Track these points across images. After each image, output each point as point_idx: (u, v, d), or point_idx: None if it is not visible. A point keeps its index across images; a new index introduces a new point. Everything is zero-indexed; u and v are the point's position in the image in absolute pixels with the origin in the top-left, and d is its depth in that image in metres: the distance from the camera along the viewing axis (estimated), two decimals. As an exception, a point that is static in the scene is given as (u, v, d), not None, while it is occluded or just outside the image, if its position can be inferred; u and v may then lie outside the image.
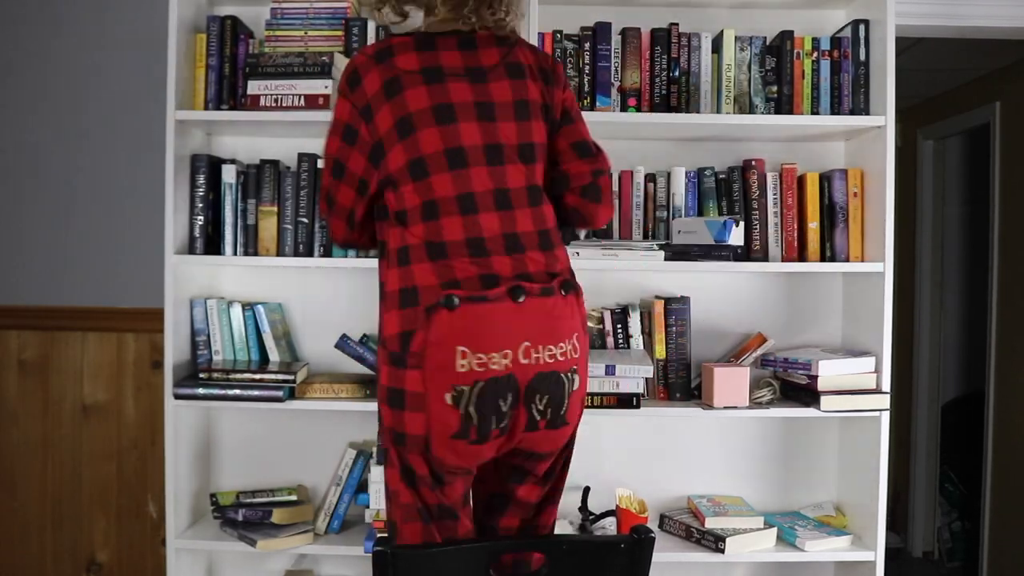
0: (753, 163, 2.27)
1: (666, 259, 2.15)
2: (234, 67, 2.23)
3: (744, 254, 2.23)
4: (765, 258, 2.26)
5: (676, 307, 2.26)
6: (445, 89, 1.51)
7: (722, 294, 2.40)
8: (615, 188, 2.28)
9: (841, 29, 2.30)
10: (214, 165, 2.21)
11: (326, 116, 2.10)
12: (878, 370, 2.17)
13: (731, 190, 2.28)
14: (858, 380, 2.15)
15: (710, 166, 2.31)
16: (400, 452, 1.48)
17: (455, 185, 1.48)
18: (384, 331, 1.49)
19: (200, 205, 2.20)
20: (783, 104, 2.23)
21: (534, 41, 2.13)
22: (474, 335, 1.40)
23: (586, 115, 2.15)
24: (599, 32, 2.21)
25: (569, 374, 1.47)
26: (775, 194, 2.27)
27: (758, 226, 2.26)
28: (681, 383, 2.25)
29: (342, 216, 1.64)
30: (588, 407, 2.10)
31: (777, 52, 2.24)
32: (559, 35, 2.20)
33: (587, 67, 2.21)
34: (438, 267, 1.45)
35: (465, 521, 1.55)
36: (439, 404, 1.41)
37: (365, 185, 1.58)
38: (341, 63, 2.14)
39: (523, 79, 1.56)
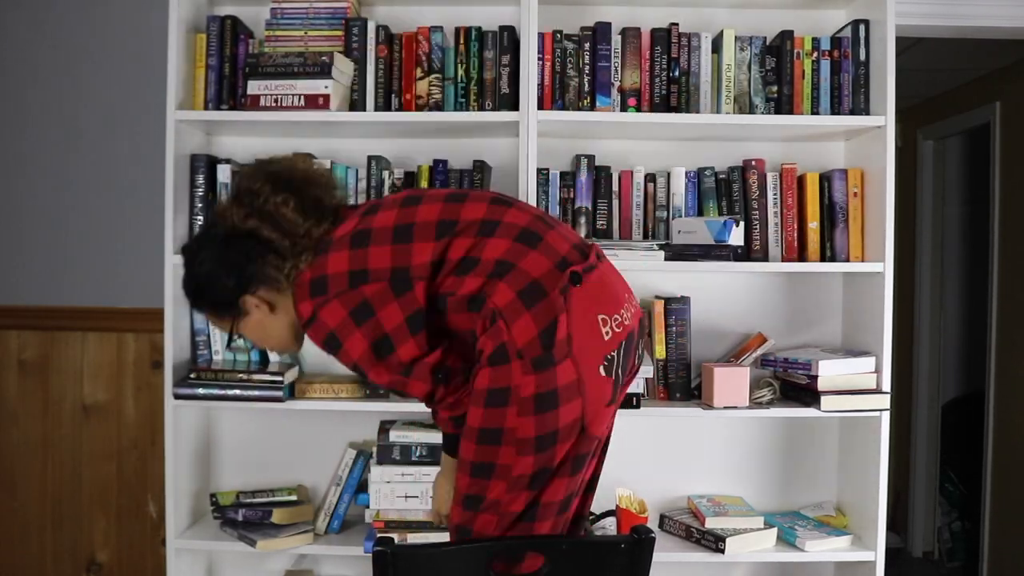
0: (753, 163, 2.27)
1: (666, 259, 2.15)
2: (234, 67, 2.23)
3: (744, 254, 2.23)
4: (765, 258, 2.26)
5: (676, 307, 2.26)
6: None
7: (722, 294, 2.40)
8: (615, 188, 2.28)
9: (841, 29, 2.30)
10: (214, 165, 2.21)
11: (326, 116, 2.11)
12: (878, 370, 2.17)
13: (731, 190, 2.28)
14: (858, 380, 2.15)
15: (710, 166, 2.31)
16: (537, 456, 1.43)
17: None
18: (518, 342, 1.41)
19: (200, 205, 2.20)
20: (783, 104, 2.23)
21: (534, 41, 2.13)
22: (604, 301, 1.46)
23: (586, 115, 2.18)
24: (599, 32, 2.21)
25: (642, 323, 1.58)
26: (775, 194, 2.27)
27: (758, 226, 2.26)
28: (681, 383, 2.25)
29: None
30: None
31: (777, 52, 2.24)
32: (559, 35, 2.20)
33: (587, 67, 2.21)
34: (542, 251, 1.46)
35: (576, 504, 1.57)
36: (594, 379, 1.43)
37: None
38: (341, 63, 2.14)
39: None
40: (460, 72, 2.22)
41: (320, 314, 1.48)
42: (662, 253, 2.15)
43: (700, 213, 2.28)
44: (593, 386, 1.43)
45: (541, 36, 2.18)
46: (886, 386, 2.16)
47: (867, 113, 2.21)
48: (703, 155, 2.38)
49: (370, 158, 2.25)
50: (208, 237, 1.62)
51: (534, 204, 2.08)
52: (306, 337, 1.59)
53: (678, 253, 2.16)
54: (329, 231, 1.54)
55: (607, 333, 1.44)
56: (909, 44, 3.08)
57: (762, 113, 2.23)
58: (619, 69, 2.22)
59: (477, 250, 1.47)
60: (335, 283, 1.47)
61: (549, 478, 1.45)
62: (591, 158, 2.27)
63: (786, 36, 2.23)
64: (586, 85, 2.21)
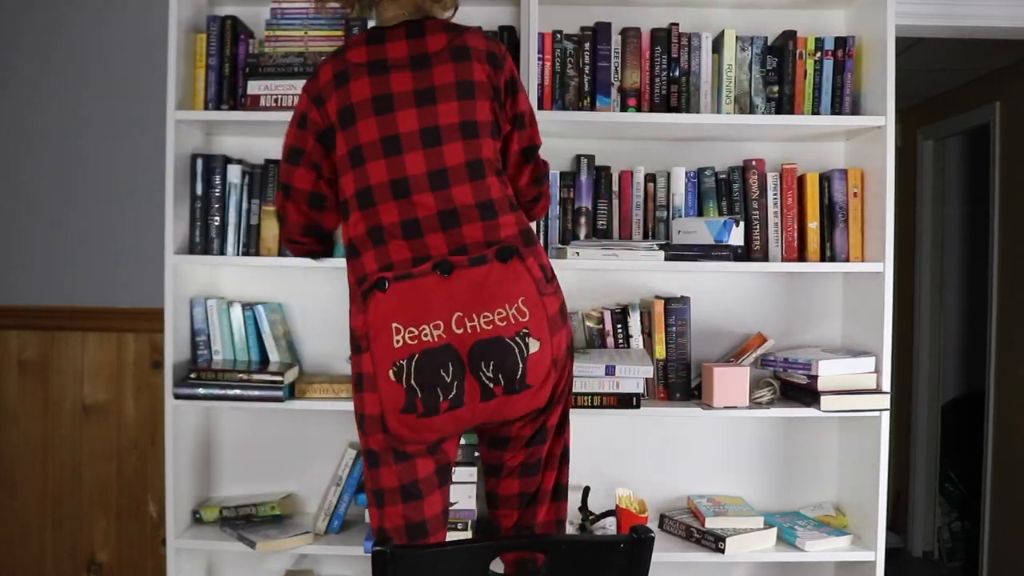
0: (753, 163, 2.27)
1: (666, 259, 2.15)
2: (234, 67, 2.23)
3: (744, 254, 2.23)
4: (765, 258, 2.26)
5: (676, 307, 2.26)
6: (387, 80, 1.58)
7: (722, 294, 2.40)
8: (615, 188, 2.28)
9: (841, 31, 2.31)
10: (214, 165, 2.21)
11: (326, 116, 2.11)
12: (878, 370, 2.17)
13: (731, 190, 2.28)
14: (858, 380, 2.15)
15: (710, 166, 2.31)
16: (363, 437, 1.58)
17: (389, 171, 1.55)
18: (350, 322, 1.58)
19: (200, 205, 2.20)
20: (784, 104, 2.23)
21: (534, 42, 2.13)
22: (405, 311, 1.49)
23: (586, 115, 2.17)
24: (599, 32, 2.21)
25: (518, 338, 1.50)
26: (775, 194, 2.27)
27: (758, 226, 2.26)
28: (681, 383, 2.25)
29: (300, 199, 1.71)
30: (588, 407, 2.10)
31: (779, 52, 2.24)
32: (559, 35, 2.20)
33: (587, 67, 2.21)
34: (378, 253, 1.54)
35: (430, 504, 1.59)
36: (386, 381, 1.50)
37: (319, 167, 1.67)
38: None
39: (468, 60, 1.60)
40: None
41: None
42: (662, 253, 2.15)
43: (700, 213, 2.28)
44: (384, 386, 1.50)
45: (541, 36, 2.18)
46: (886, 386, 2.16)
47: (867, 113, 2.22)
48: (703, 155, 2.38)
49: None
50: None
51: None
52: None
53: (678, 253, 2.16)
54: None
55: (398, 341, 1.48)
56: (909, 44, 3.08)
57: (763, 113, 2.23)
58: (619, 69, 2.23)
59: (360, 181, 1.58)
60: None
61: (377, 463, 1.57)
62: (591, 158, 2.27)
63: (788, 36, 2.23)
64: (586, 85, 2.21)
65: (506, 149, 1.71)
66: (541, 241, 2.20)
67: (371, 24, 2.19)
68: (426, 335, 1.48)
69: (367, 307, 1.52)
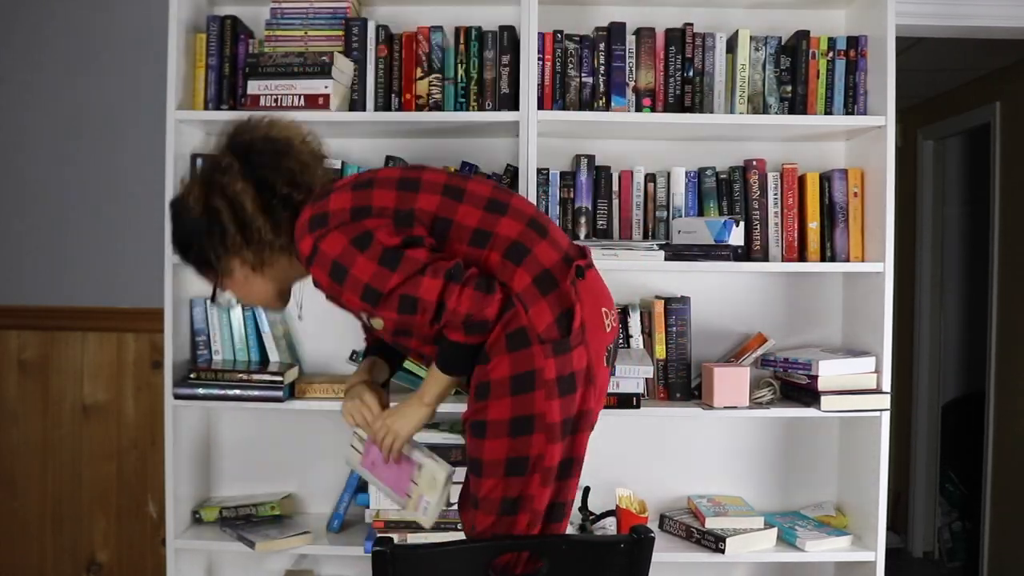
0: (754, 163, 2.27)
1: (666, 259, 2.15)
2: (234, 67, 2.23)
3: (744, 254, 2.23)
4: (765, 258, 2.25)
5: (676, 307, 2.26)
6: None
7: (722, 294, 2.40)
8: (615, 188, 2.28)
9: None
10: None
11: (326, 116, 2.11)
12: (878, 370, 2.17)
13: (731, 190, 2.28)
14: (858, 380, 2.15)
15: (711, 166, 2.31)
16: (546, 443, 1.44)
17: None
18: (538, 327, 1.43)
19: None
20: (797, 104, 2.23)
21: (534, 42, 2.13)
22: (604, 295, 1.55)
23: (601, 115, 2.17)
24: (614, 32, 2.21)
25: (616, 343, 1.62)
26: (775, 194, 2.27)
27: (758, 226, 2.26)
28: (681, 383, 2.25)
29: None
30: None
31: (792, 52, 2.24)
32: (559, 35, 2.20)
33: (602, 67, 2.21)
34: (550, 242, 1.50)
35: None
36: (601, 368, 1.51)
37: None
38: (341, 63, 2.14)
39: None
40: (460, 72, 2.22)
41: (321, 246, 1.45)
42: (662, 253, 2.15)
43: (700, 213, 2.28)
44: (600, 374, 1.51)
45: (541, 36, 2.18)
46: (886, 386, 2.16)
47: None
48: (703, 155, 2.38)
49: (388, 158, 2.25)
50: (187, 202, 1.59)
51: (534, 203, 2.08)
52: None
53: (678, 253, 2.16)
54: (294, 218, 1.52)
55: (608, 326, 1.52)
56: (909, 44, 3.08)
57: (776, 113, 2.23)
58: (634, 69, 2.22)
59: (488, 224, 1.48)
60: (336, 217, 1.46)
61: (570, 470, 1.49)
62: (591, 158, 2.27)
63: (802, 36, 2.23)
64: (601, 85, 2.21)
65: None
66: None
67: (372, 22, 2.20)
68: (615, 318, 1.58)
69: (580, 296, 1.45)
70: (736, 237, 2.16)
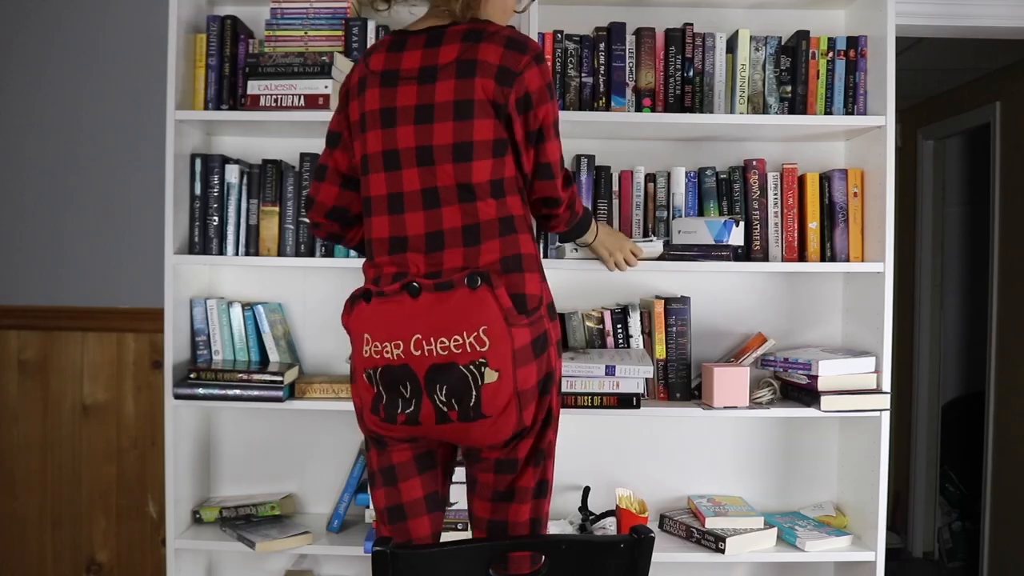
0: (754, 163, 2.27)
1: (666, 259, 2.15)
2: (234, 67, 2.23)
3: (744, 254, 2.23)
4: (765, 258, 2.26)
5: (676, 307, 2.26)
6: (394, 93, 1.59)
7: (722, 294, 2.40)
8: (615, 188, 2.28)
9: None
10: (212, 165, 2.21)
11: (326, 116, 2.10)
12: (878, 370, 2.17)
13: (731, 190, 2.28)
14: (858, 380, 2.15)
15: (711, 166, 2.31)
16: (359, 422, 1.67)
17: (388, 184, 1.59)
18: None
19: (198, 205, 2.20)
20: (796, 104, 2.23)
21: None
22: (375, 326, 1.55)
23: (601, 115, 2.17)
24: (614, 32, 2.21)
25: (473, 367, 1.49)
26: (775, 194, 2.27)
27: (759, 226, 2.26)
28: (681, 383, 2.25)
29: (334, 180, 1.71)
30: (588, 407, 2.10)
31: (792, 52, 2.24)
32: (560, 35, 2.20)
33: (602, 67, 2.21)
34: (375, 264, 1.62)
35: (408, 489, 1.64)
36: (361, 380, 1.60)
37: (351, 158, 1.69)
38: (341, 63, 2.14)
39: (471, 77, 1.54)
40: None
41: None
42: (661, 243, 2.15)
43: (701, 213, 2.28)
44: (360, 383, 1.60)
45: (541, 36, 2.18)
46: (886, 386, 2.16)
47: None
48: (703, 155, 2.38)
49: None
50: None
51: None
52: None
53: (678, 253, 2.16)
54: None
55: (366, 351, 1.57)
56: (909, 44, 3.08)
57: (776, 113, 2.23)
58: (634, 69, 2.22)
59: (366, 189, 1.64)
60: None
61: (367, 446, 1.68)
62: (591, 158, 2.27)
63: (802, 36, 2.23)
64: (601, 85, 2.21)
65: (522, 164, 1.65)
66: (541, 243, 2.19)
67: (372, 22, 2.20)
68: (387, 352, 1.53)
69: (351, 312, 1.60)
70: (736, 237, 2.16)
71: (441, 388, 1.51)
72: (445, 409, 1.51)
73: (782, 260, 2.25)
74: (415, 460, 1.64)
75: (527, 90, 1.57)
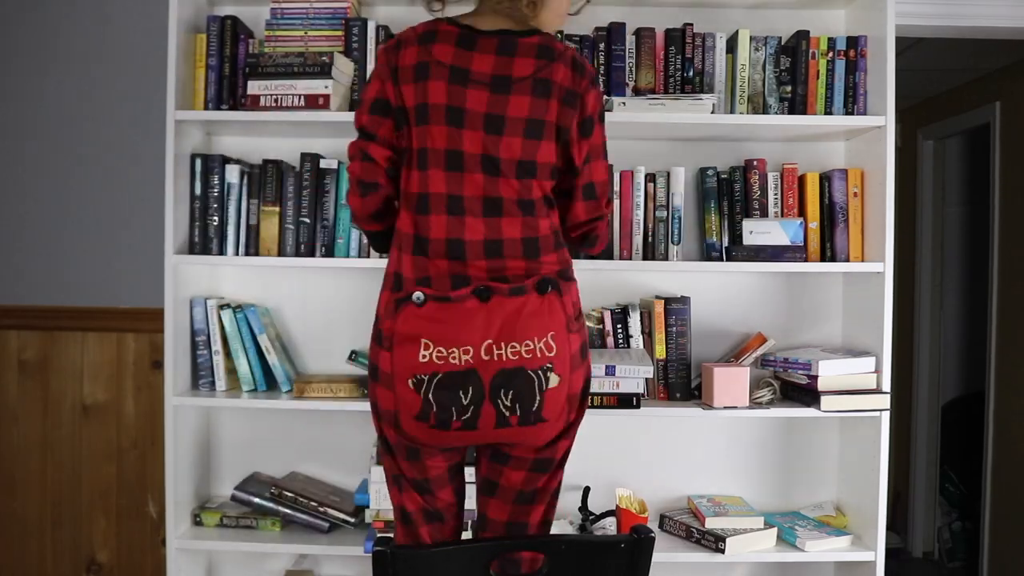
0: (755, 163, 2.27)
1: (738, 260, 2.19)
2: (234, 67, 2.23)
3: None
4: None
5: (676, 307, 2.26)
6: (464, 94, 1.55)
7: (722, 294, 2.40)
8: (615, 187, 2.28)
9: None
10: (212, 164, 2.21)
11: (326, 116, 2.11)
12: (878, 370, 2.17)
13: (732, 190, 2.28)
14: (858, 380, 2.15)
15: (711, 166, 2.30)
16: (376, 423, 1.62)
17: (448, 184, 1.55)
18: (378, 308, 1.59)
19: (198, 205, 2.20)
20: (796, 104, 2.23)
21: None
22: (438, 330, 1.50)
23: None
24: (614, 32, 2.21)
25: (540, 371, 1.51)
26: (776, 194, 2.26)
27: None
28: (681, 383, 2.25)
29: (385, 145, 1.62)
30: (588, 407, 2.10)
31: (792, 52, 2.24)
32: (560, 35, 2.20)
33: (602, 67, 2.21)
34: (418, 262, 1.55)
35: (443, 497, 1.65)
36: (403, 386, 1.52)
37: (392, 146, 1.63)
38: (341, 63, 2.14)
39: (547, 99, 1.56)
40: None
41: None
42: (711, 103, 2.13)
43: (702, 214, 2.28)
44: (401, 390, 1.52)
45: (541, 36, 2.17)
46: (886, 386, 2.16)
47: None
48: (703, 155, 2.38)
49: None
50: None
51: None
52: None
53: (751, 255, 2.18)
54: None
55: (424, 357, 1.50)
56: (909, 44, 3.08)
57: (775, 113, 2.23)
58: (634, 69, 2.22)
59: (422, 184, 1.58)
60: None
61: (392, 452, 1.62)
62: (591, 158, 2.26)
63: (802, 36, 2.23)
64: (601, 85, 2.21)
65: (571, 181, 1.67)
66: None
67: (372, 22, 2.20)
68: (454, 358, 1.49)
69: (397, 315, 1.53)
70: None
71: (507, 393, 1.50)
72: (507, 414, 1.51)
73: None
74: (448, 470, 1.65)
75: (588, 114, 1.62)
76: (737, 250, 2.18)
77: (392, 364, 1.52)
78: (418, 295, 1.51)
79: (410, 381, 1.51)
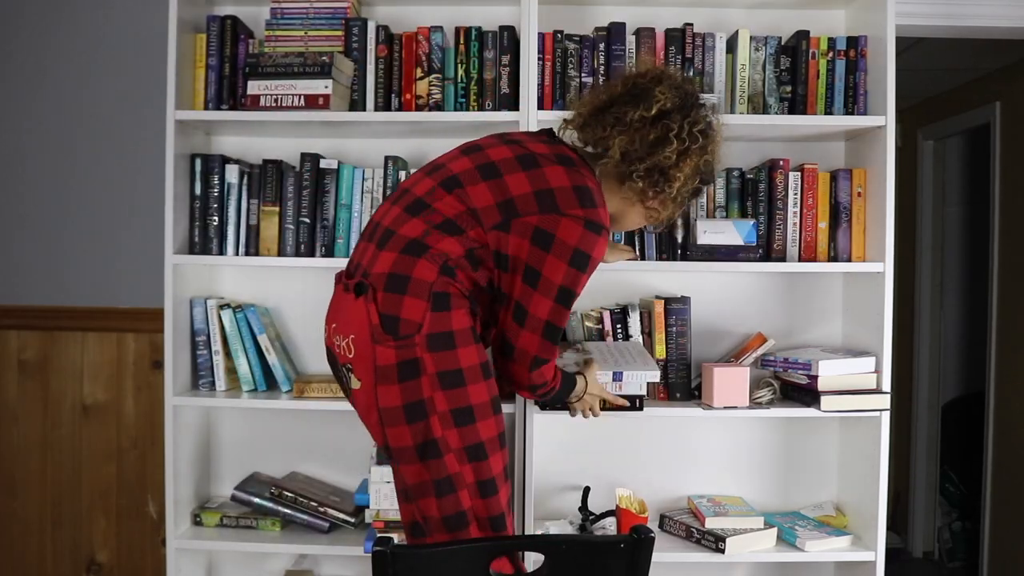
0: (780, 163, 2.24)
1: (692, 259, 2.17)
2: (234, 67, 2.23)
3: (764, 254, 2.22)
4: (783, 258, 2.24)
5: (676, 307, 2.26)
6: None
7: (722, 294, 2.40)
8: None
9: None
10: (212, 164, 2.21)
11: (326, 116, 2.11)
12: (878, 370, 2.17)
13: (742, 189, 2.27)
14: (858, 380, 2.15)
15: (738, 167, 2.29)
16: None
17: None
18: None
19: (198, 205, 2.20)
20: (797, 104, 2.23)
21: (534, 41, 2.13)
22: (331, 311, 1.66)
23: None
24: (614, 32, 2.21)
25: (345, 368, 1.59)
26: (796, 194, 2.24)
27: (763, 227, 2.25)
28: (681, 383, 2.25)
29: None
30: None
31: (792, 52, 2.23)
32: (559, 35, 2.20)
33: (602, 67, 2.21)
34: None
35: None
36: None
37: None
38: (341, 63, 2.14)
39: (497, 177, 1.59)
40: (460, 72, 2.22)
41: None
42: None
43: (707, 215, 2.28)
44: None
45: (541, 36, 2.18)
46: (886, 386, 2.16)
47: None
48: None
49: (387, 158, 2.22)
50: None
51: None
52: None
53: (704, 254, 2.18)
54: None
55: (324, 330, 1.66)
56: (909, 44, 3.08)
57: (775, 113, 2.23)
58: (634, 70, 2.21)
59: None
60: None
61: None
62: (591, 158, 2.26)
63: (802, 36, 2.23)
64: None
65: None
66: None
67: (372, 22, 2.20)
68: (326, 332, 1.65)
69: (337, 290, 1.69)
70: (734, 238, 2.16)
71: (336, 371, 1.67)
72: (346, 386, 1.63)
73: (799, 260, 2.24)
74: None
75: (512, 253, 1.61)
76: (692, 249, 2.17)
77: None
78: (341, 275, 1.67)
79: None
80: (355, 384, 1.56)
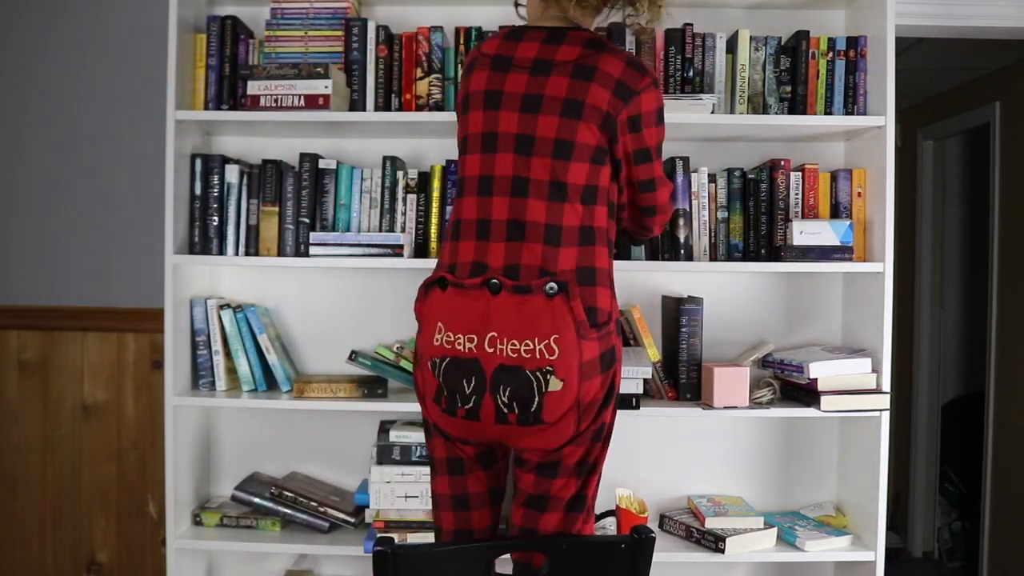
0: (782, 163, 2.23)
1: (786, 260, 2.19)
2: (234, 67, 2.23)
3: (767, 254, 2.23)
4: (769, 257, 2.24)
5: (689, 307, 2.22)
6: (504, 78, 1.61)
7: (722, 294, 2.40)
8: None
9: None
10: (212, 164, 2.21)
11: (326, 116, 2.11)
12: (878, 370, 2.17)
13: (738, 189, 2.27)
14: (858, 380, 2.15)
15: (706, 165, 2.30)
16: (420, 404, 1.68)
17: (481, 166, 1.60)
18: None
19: (198, 205, 2.20)
20: (796, 104, 2.23)
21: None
22: (449, 315, 1.56)
23: None
24: (614, 32, 2.20)
25: (539, 373, 1.51)
26: (797, 194, 2.24)
27: (765, 226, 2.25)
28: (692, 384, 2.24)
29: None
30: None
31: (792, 52, 2.23)
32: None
33: None
34: (453, 247, 1.62)
35: (476, 482, 1.66)
36: (426, 367, 1.61)
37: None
38: (335, 76, 2.13)
39: (588, 81, 1.58)
40: (460, 72, 2.22)
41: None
42: (710, 104, 2.18)
43: (709, 215, 2.27)
44: (423, 368, 1.61)
45: (541, 36, 2.17)
46: (886, 386, 2.16)
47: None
48: (703, 155, 2.38)
49: (385, 158, 2.22)
50: None
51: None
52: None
53: (800, 255, 2.17)
54: None
55: (437, 340, 1.57)
56: (909, 44, 3.08)
57: (775, 113, 2.23)
58: None
59: (461, 169, 1.68)
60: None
61: (435, 470, 1.70)
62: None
63: (802, 36, 2.23)
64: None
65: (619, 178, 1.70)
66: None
67: (372, 22, 2.20)
68: (459, 344, 1.54)
69: (427, 298, 1.62)
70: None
71: (505, 390, 1.52)
72: (505, 411, 1.52)
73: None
74: (477, 457, 1.66)
75: (641, 111, 1.62)
76: (786, 251, 2.16)
77: (418, 345, 1.63)
78: (446, 280, 1.58)
79: (429, 363, 1.58)
80: (554, 386, 1.51)
